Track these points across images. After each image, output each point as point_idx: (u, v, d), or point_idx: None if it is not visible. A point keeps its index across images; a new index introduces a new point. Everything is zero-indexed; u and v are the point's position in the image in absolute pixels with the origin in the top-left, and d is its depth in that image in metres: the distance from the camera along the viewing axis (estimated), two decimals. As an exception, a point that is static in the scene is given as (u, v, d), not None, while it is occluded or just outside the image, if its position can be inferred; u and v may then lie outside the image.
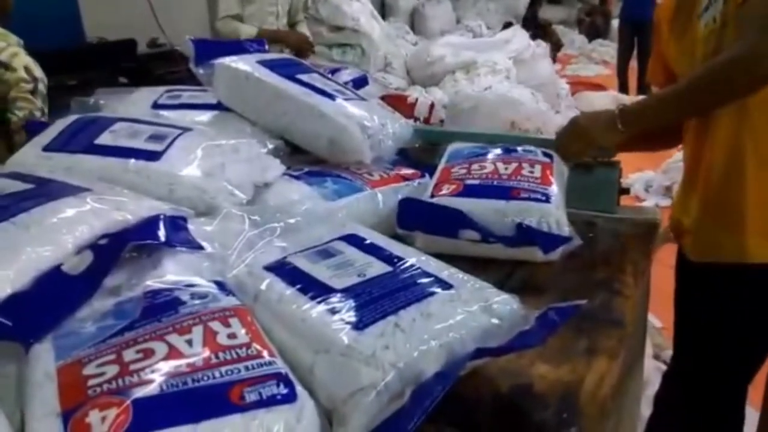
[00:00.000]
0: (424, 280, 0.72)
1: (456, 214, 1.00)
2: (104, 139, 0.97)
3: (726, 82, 1.06)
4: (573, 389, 0.73)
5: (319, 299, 0.67)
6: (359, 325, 0.63)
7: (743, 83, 1.04)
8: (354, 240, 0.81)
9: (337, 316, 0.65)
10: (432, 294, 0.69)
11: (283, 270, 0.74)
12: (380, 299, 0.67)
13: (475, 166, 1.11)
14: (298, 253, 0.78)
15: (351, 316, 0.64)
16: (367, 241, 0.81)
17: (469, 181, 1.07)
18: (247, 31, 3.10)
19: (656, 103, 1.20)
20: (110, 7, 3.46)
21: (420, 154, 1.32)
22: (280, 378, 0.56)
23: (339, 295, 0.68)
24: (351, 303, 0.66)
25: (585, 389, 0.74)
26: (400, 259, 0.77)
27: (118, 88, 1.59)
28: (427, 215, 1.02)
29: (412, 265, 0.75)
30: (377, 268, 0.74)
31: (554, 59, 6.82)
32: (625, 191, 1.39)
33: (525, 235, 0.98)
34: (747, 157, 1.13)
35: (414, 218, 1.02)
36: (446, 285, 0.72)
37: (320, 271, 0.73)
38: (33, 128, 1.05)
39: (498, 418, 0.70)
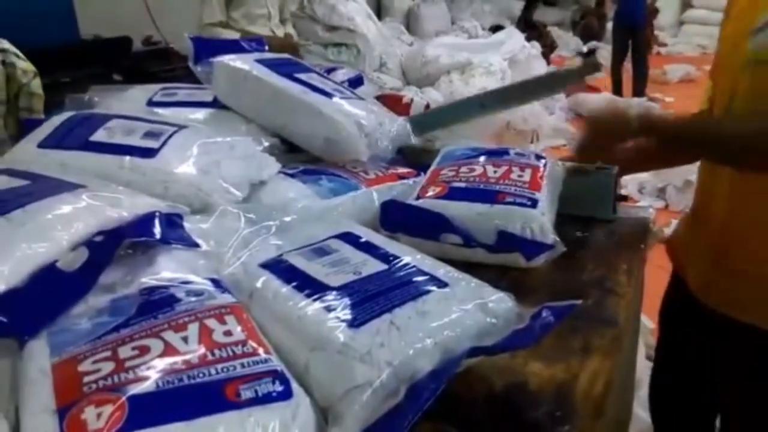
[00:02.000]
0: (420, 279, 0.72)
1: (437, 217, 0.99)
2: (99, 136, 0.97)
3: None
4: (567, 387, 0.74)
5: (314, 297, 0.67)
6: (355, 323, 0.63)
7: None
8: (349, 238, 0.81)
9: (332, 314, 0.65)
10: (427, 292, 0.70)
11: (279, 268, 0.74)
12: (376, 297, 0.67)
13: (463, 169, 1.10)
14: (293, 251, 0.78)
15: (346, 314, 0.64)
16: (363, 240, 0.81)
17: (455, 184, 1.06)
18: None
19: (692, 128, 1.03)
20: (105, 4, 3.46)
21: (417, 153, 1.32)
22: (276, 375, 0.57)
23: (334, 293, 0.68)
24: (346, 301, 0.66)
25: (579, 388, 0.74)
26: (395, 257, 0.77)
27: (113, 86, 1.58)
28: (409, 218, 1.01)
29: (407, 264, 0.75)
30: (373, 266, 0.74)
31: (548, 61, 6.84)
32: (623, 198, 1.33)
33: (506, 242, 0.97)
34: None
35: (396, 220, 1.01)
36: (441, 283, 0.72)
37: (316, 269, 0.73)
38: (28, 125, 1.04)
39: (492, 416, 0.70)
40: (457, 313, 0.67)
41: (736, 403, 1.07)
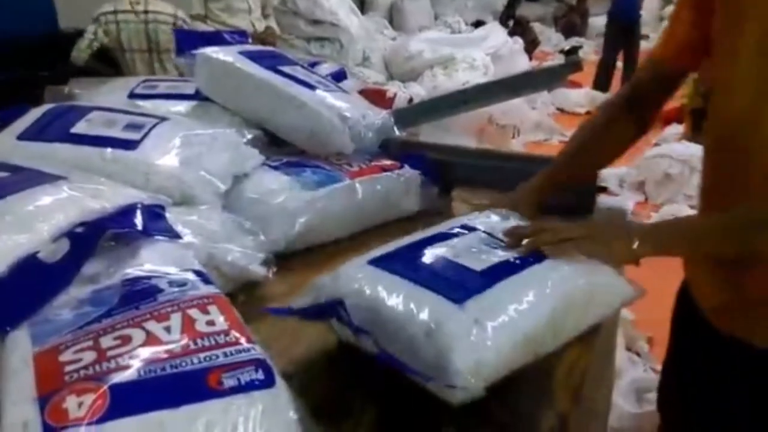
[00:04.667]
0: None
1: None
2: (80, 127, 0.96)
3: None
4: (545, 377, 0.75)
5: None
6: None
7: None
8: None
9: None
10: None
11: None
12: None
13: None
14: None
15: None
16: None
17: None
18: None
19: (687, 232, 0.90)
20: (85, -3, 3.41)
21: (400, 146, 1.32)
22: (259, 364, 0.57)
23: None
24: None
25: (557, 376, 0.75)
26: None
27: (93, 78, 1.57)
28: None
29: None
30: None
31: (531, 56, 6.87)
32: (602, 189, 1.36)
33: None
34: None
35: None
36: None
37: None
38: (7, 116, 1.03)
39: (470, 404, 0.71)
40: None
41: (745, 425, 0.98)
